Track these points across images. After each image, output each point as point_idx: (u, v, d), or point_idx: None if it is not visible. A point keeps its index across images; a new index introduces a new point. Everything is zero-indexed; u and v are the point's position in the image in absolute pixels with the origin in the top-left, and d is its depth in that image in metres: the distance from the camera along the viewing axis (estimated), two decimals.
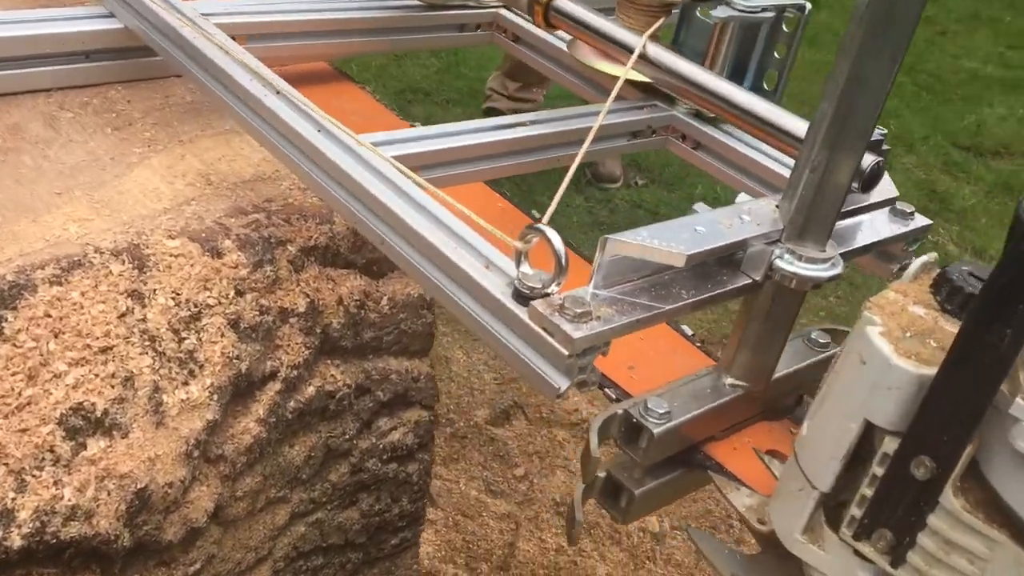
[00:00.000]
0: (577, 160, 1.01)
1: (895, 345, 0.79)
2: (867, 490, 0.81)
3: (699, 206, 1.01)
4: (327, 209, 1.20)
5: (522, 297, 0.88)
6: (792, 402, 1.11)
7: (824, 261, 0.95)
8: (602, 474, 0.96)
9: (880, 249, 1.12)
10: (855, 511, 0.82)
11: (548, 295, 0.87)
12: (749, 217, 0.95)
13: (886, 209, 1.12)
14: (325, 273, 1.18)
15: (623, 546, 2.76)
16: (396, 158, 1.08)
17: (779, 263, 0.95)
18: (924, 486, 0.77)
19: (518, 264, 0.89)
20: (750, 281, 0.96)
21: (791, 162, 1.25)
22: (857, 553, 0.84)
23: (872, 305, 0.83)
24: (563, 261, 0.86)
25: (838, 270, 0.96)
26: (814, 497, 0.86)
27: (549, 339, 0.85)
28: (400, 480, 1.36)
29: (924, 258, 0.88)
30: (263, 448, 1.11)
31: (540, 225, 0.88)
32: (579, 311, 0.84)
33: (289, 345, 1.14)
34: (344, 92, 1.56)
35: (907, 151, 4.99)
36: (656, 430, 0.95)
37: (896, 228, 1.11)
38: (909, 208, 1.14)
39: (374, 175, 1.03)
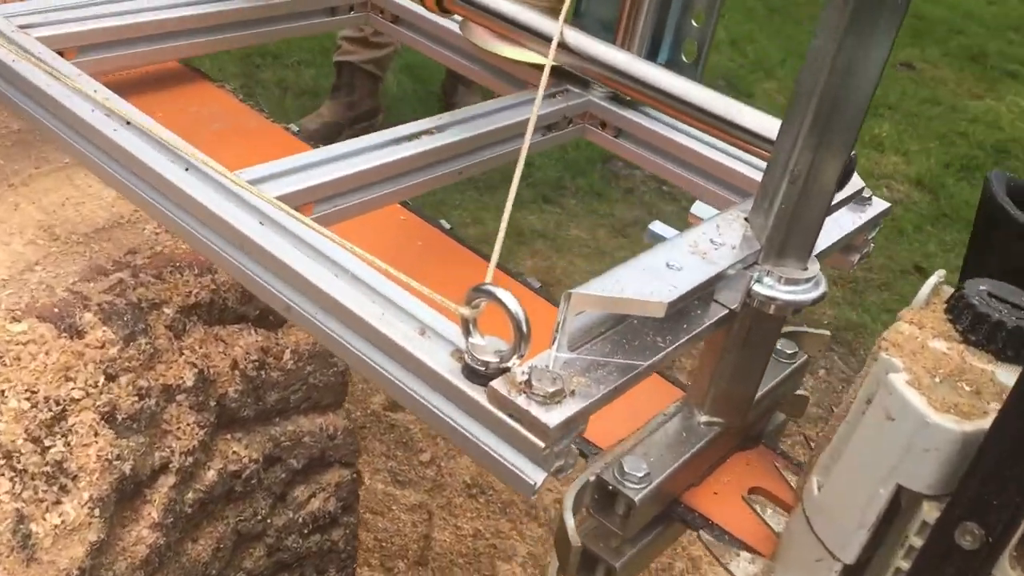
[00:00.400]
0: (515, 180, 0.85)
1: (927, 396, 0.67)
2: (903, 562, 0.70)
3: (656, 226, 0.86)
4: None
5: (476, 375, 0.73)
6: (764, 424, 1.00)
7: (807, 281, 0.83)
8: (577, 545, 0.82)
9: (844, 243, 1.00)
10: None
11: (508, 370, 0.72)
12: (721, 238, 0.82)
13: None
14: (212, 334, 0.99)
15: (541, 521, 2.67)
16: (285, 197, 0.89)
17: (758, 288, 0.82)
18: (970, 556, 0.66)
19: (466, 334, 0.73)
20: (726, 312, 0.83)
21: (723, 146, 1.13)
22: None
23: (888, 344, 0.71)
24: (524, 328, 0.70)
25: (822, 289, 0.83)
26: (836, 570, 0.74)
27: (517, 427, 0.70)
28: (325, 551, 1.20)
29: (934, 279, 0.76)
30: (162, 555, 0.93)
31: (489, 286, 0.71)
32: (550, 389, 0.69)
33: (179, 428, 0.95)
34: (200, 95, 1.33)
35: (767, 77, 4.99)
36: (638, 497, 0.82)
37: (858, 218, 1.00)
38: (867, 192, 1.03)
39: (266, 224, 0.84)
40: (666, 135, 1.13)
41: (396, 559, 2.57)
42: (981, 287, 0.73)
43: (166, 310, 0.95)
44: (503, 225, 0.80)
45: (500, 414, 0.71)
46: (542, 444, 0.69)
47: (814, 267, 0.84)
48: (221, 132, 1.19)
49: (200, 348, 0.97)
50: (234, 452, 1.04)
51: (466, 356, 0.73)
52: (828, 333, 1.06)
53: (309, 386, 1.11)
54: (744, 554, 0.83)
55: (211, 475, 1.01)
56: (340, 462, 1.19)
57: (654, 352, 0.77)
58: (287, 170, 0.92)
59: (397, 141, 1.01)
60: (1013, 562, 0.66)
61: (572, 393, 0.71)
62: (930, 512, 0.68)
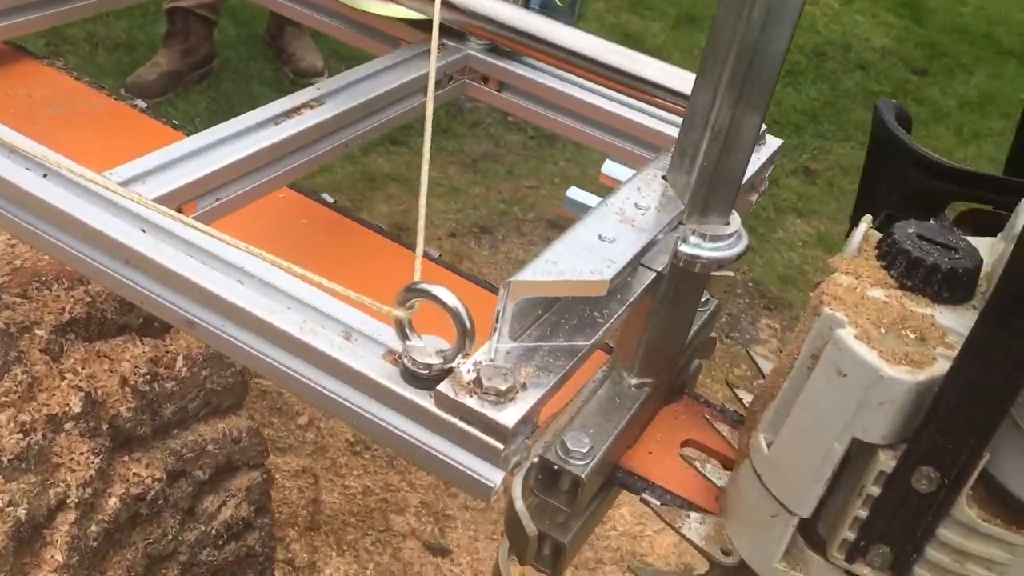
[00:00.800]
0: (426, 146, 0.79)
1: (878, 349, 0.67)
2: (861, 511, 0.70)
3: (574, 192, 0.83)
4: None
5: (418, 379, 0.68)
6: (685, 375, 1.00)
7: (730, 236, 0.81)
8: (534, 534, 0.80)
9: (748, 185, 1.00)
10: (848, 534, 0.72)
11: (451, 370, 0.67)
12: (645, 201, 0.79)
13: None
14: (95, 351, 0.89)
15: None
16: (165, 197, 0.80)
17: (684, 248, 0.80)
18: (927, 499, 0.68)
19: (403, 337, 0.68)
20: (654, 275, 0.81)
21: (610, 93, 1.10)
22: (847, 572, 0.75)
23: (829, 298, 0.71)
24: (468, 325, 0.65)
25: (744, 242, 0.82)
26: (793, 523, 0.75)
27: (472, 431, 0.66)
28: (242, 557, 1.13)
29: (863, 226, 0.76)
30: None
31: (422, 285, 0.66)
32: (503, 387, 0.66)
33: (72, 459, 0.86)
34: (27, 76, 1.19)
35: None
36: (584, 473, 0.80)
37: (759, 158, 1.00)
38: (763, 129, 1.03)
39: (150, 232, 0.76)
40: (553, 86, 1.09)
41: (286, 528, 2.50)
42: (909, 229, 0.74)
43: (38, 332, 0.85)
44: (421, 213, 0.74)
45: (450, 418, 0.66)
46: (501, 446, 0.65)
47: (735, 221, 0.82)
48: (62, 118, 1.07)
49: (83, 369, 0.88)
50: (135, 474, 0.95)
51: (405, 360, 0.68)
52: (732, 274, 1.07)
53: (207, 391, 1.03)
54: (694, 515, 0.83)
55: (113, 503, 0.92)
56: (248, 464, 1.12)
57: (595, 328, 0.74)
58: (161, 165, 0.83)
59: (276, 120, 0.93)
60: (970, 501, 0.67)
61: (523, 386, 0.67)
62: (887, 461, 0.68)
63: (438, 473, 0.69)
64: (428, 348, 0.68)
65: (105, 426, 0.91)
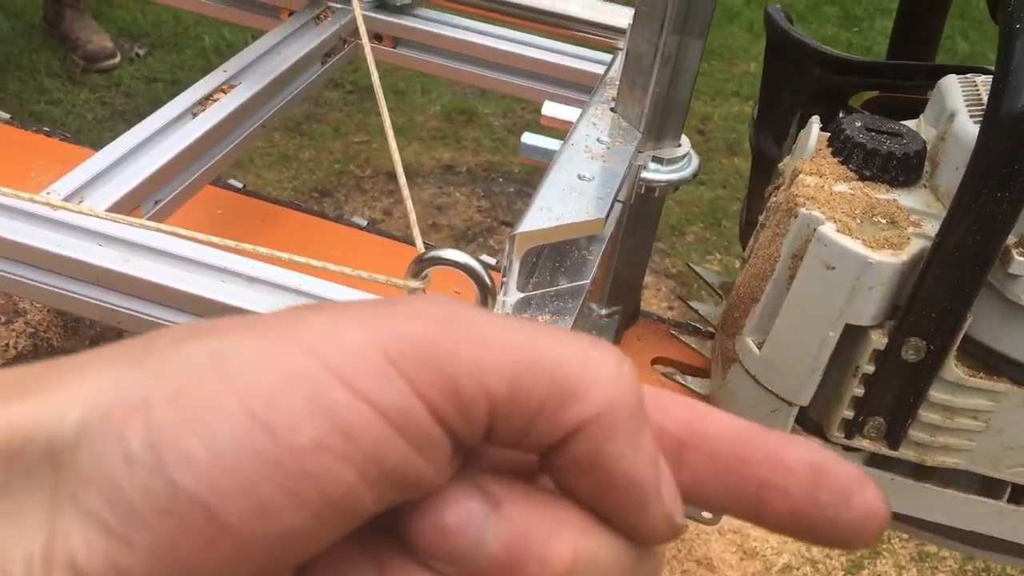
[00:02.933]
0: (384, 112, 0.77)
1: (860, 239, 0.72)
2: (857, 390, 0.76)
3: (528, 137, 0.83)
4: (4, 297, 0.83)
5: None
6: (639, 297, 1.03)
7: (683, 158, 0.84)
8: None
9: None
10: (846, 413, 0.78)
11: None
12: (605, 136, 0.81)
13: None
14: None
15: None
16: (111, 208, 0.75)
17: (646, 175, 0.83)
18: (917, 366, 0.74)
19: None
20: (621, 204, 0.83)
21: (511, 35, 1.10)
22: (845, 448, 0.81)
23: (803, 199, 0.75)
24: (488, 282, 0.66)
25: (696, 161, 0.86)
26: (793, 414, 0.80)
27: None
28: None
29: (816, 127, 0.80)
30: None
31: (435, 252, 0.66)
32: None
33: None
34: None
35: None
36: None
37: None
38: None
39: (117, 248, 0.71)
40: (450, 35, 1.08)
41: None
42: (857, 123, 0.79)
43: None
44: (402, 182, 0.73)
45: None
46: None
47: (686, 142, 0.85)
48: None
49: None
50: None
51: None
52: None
53: None
54: None
55: None
56: None
57: (588, 266, 0.76)
58: (95, 177, 0.78)
59: (192, 111, 0.88)
60: (957, 362, 0.74)
61: None
62: (878, 340, 0.74)
63: None
64: None
65: None
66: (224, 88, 0.90)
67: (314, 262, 0.67)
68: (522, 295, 0.71)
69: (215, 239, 0.66)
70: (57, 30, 3.53)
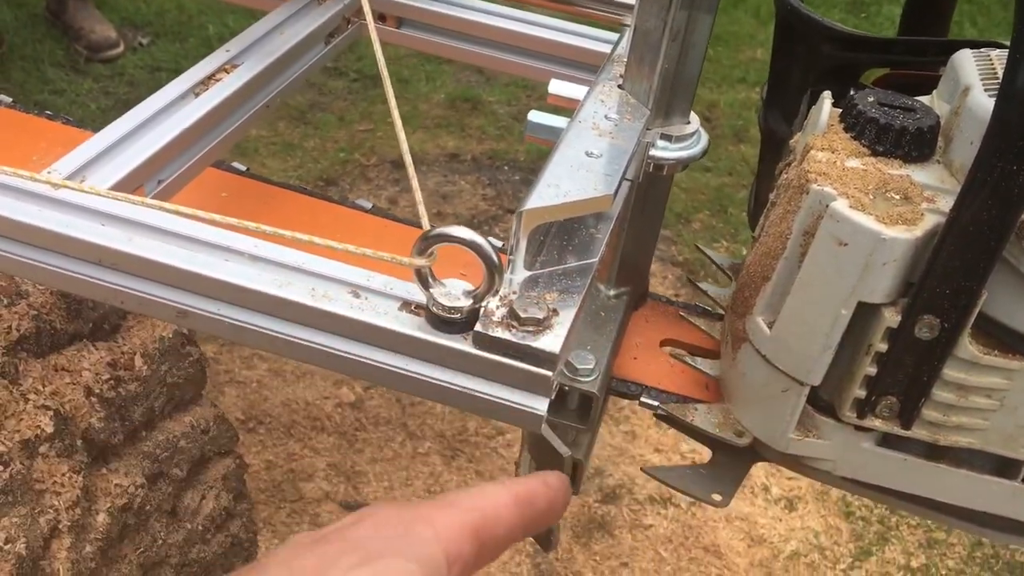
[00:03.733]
0: (391, 101, 0.76)
1: (873, 215, 0.71)
2: (870, 369, 0.75)
3: (535, 115, 0.82)
4: (6, 278, 0.82)
5: (450, 325, 0.67)
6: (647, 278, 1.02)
7: (692, 135, 0.83)
8: (568, 455, 0.80)
9: None
10: (858, 392, 0.77)
11: (478, 311, 0.67)
12: (613, 113, 0.79)
13: None
14: (52, 365, 0.82)
15: (329, 431, 2.62)
16: (114, 188, 0.74)
17: (655, 152, 0.81)
18: (931, 344, 0.73)
19: (426, 286, 0.66)
20: (629, 182, 0.82)
21: (514, 13, 1.09)
22: (857, 428, 0.80)
23: (815, 175, 0.74)
24: (496, 260, 0.65)
25: (706, 139, 0.85)
26: (804, 394, 0.79)
27: (518, 365, 0.65)
28: (228, 547, 1.08)
29: (827, 103, 0.79)
30: None
31: (441, 229, 0.65)
32: (540, 316, 0.66)
33: (55, 482, 0.79)
34: None
35: None
36: (596, 388, 0.81)
37: None
38: None
39: (122, 227, 0.70)
40: (454, 15, 1.06)
41: None
42: (869, 99, 0.77)
43: None
44: (408, 161, 0.72)
45: (494, 357, 0.66)
46: (549, 373, 0.65)
47: (695, 120, 0.84)
48: None
49: (45, 386, 0.81)
50: (116, 485, 0.89)
51: (433, 307, 0.67)
52: None
53: (169, 387, 0.97)
54: (700, 407, 0.86)
55: (102, 519, 0.86)
56: (219, 453, 1.06)
57: (596, 244, 0.75)
58: (98, 156, 0.77)
59: (195, 90, 0.87)
60: (971, 340, 0.73)
61: (555, 312, 0.67)
62: (892, 317, 0.73)
63: (483, 413, 0.69)
64: (454, 292, 0.67)
65: (79, 441, 0.84)
66: (227, 68, 0.89)
67: (317, 240, 0.66)
68: (529, 273, 0.71)
69: (218, 217, 0.66)
70: (60, 20, 3.52)
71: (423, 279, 0.66)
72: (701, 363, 0.90)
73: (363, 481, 2.50)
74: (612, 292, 0.90)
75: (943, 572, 2.47)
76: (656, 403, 0.89)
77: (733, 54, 4.14)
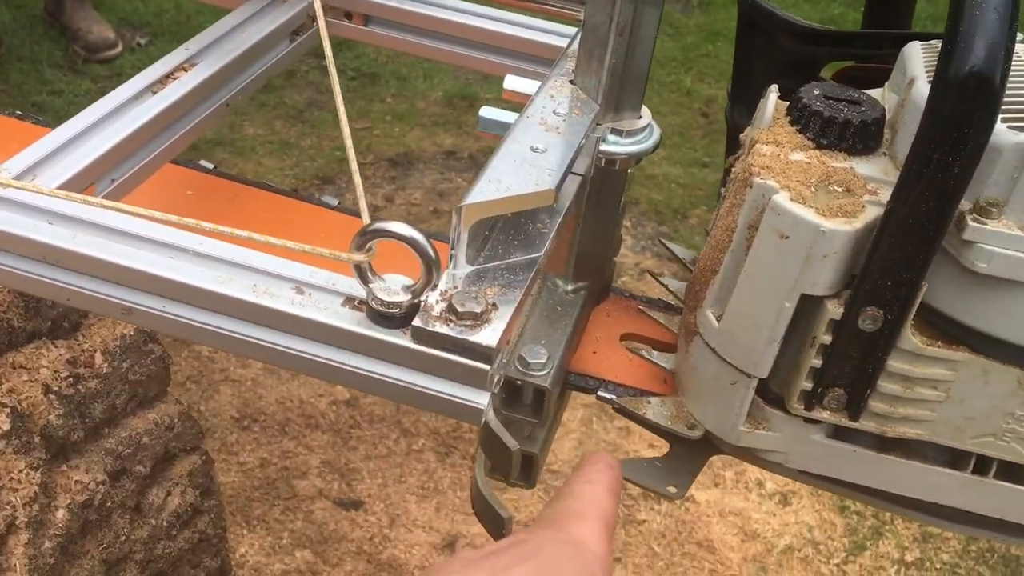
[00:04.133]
0: (337, 95, 0.76)
1: (813, 207, 0.71)
2: (815, 361, 0.75)
3: (487, 111, 0.82)
4: None
5: (389, 319, 0.67)
6: (609, 273, 1.02)
7: (643, 129, 0.84)
8: (516, 448, 0.81)
9: None
10: (805, 384, 0.77)
11: (418, 305, 0.67)
12: (562, 108, 0.80)
13: None
14: (9, 362, 0.83)
15: (323, 429, 2.63)
16: (64, 186, 0.75)
17: (605, 147, 0.82)
18: (874, 336, 0.73)
19: (366, 281, 0.67)
20: (580, 178, 0.82)
21: (483, 11, 1.10)
22: (807, 420, 0.80)
23: (758, 168, 0.74)
24: (433, 255, 0.65)
25: (658, 133, 0.85)
26: (752, 386, 0.79)
27: (456, 359, 0.66)
28: (195, 543, 1.09)
29: (773, 96, 0.79)
30: None
31: (378, 224, 0.65)
32: (478, 310, 0.66)
33: (12, 479, 0.80)
34: None
35: None
36: (548, 383, 0.81)
37: None
38: None
39: (58, 224, 0.71)
40: (422, 12, 1.07)
41: None
42: (815, 92, 0.78)
43: None
44: (351, 155, 0.73)
45: (432, 351, 0.66)
46: (487, 367, 0.66)
47: (647, 114, 0.84)
48: None
49: (2, 384, 0.82)
50: (76, 482, 0.90)
51: (372, 303, 0.67)
52: (631, 171, 1.09)
53: (131, 383, 0.98)
54: (653, 399, 0.86)
55: (61, 515, 0.87)
56: (185, 450, 1.07)
57: (542, 239, 0.75)
58: (50, 155, 0.78)
59: (152, 88, 0.88)
60: (913, 330, 0.73)
61: (494, 306, 0.68)
62: (834, 309, 0.73)
63: (425, 407, 0.69)
64: (393, 287, 0.67)
65: (37, 438, 0.85)
66: (184, 66, 0.90)
67: (256, 236, 0.66)
68: (472, 268, 0.71)
69: (158, 214, 0.66)
70: (58, 21, 3.54)
71: (362, 274, 0.67)
72: (658, 357, 0.91)
73: (357, 478, 2.51)
74: (570, 287, 0.91)
75: (937, 566, 2.47)
76: (613, 397, 0.89)
77: (732, 49, 4.13)
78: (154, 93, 0.87)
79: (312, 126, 3.47)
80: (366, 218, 0.70)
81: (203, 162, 1.09)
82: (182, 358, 2.75)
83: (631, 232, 3.23)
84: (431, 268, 0.65)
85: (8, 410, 0.81)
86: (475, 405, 0.67)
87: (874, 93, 0.84)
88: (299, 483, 2.51)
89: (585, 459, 0.65)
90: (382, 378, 0.68)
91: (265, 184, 1.08)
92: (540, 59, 1.06)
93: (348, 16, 1.10)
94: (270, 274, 0.70)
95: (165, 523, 1.04)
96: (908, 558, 2.48)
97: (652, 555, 2.45)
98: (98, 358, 0.92)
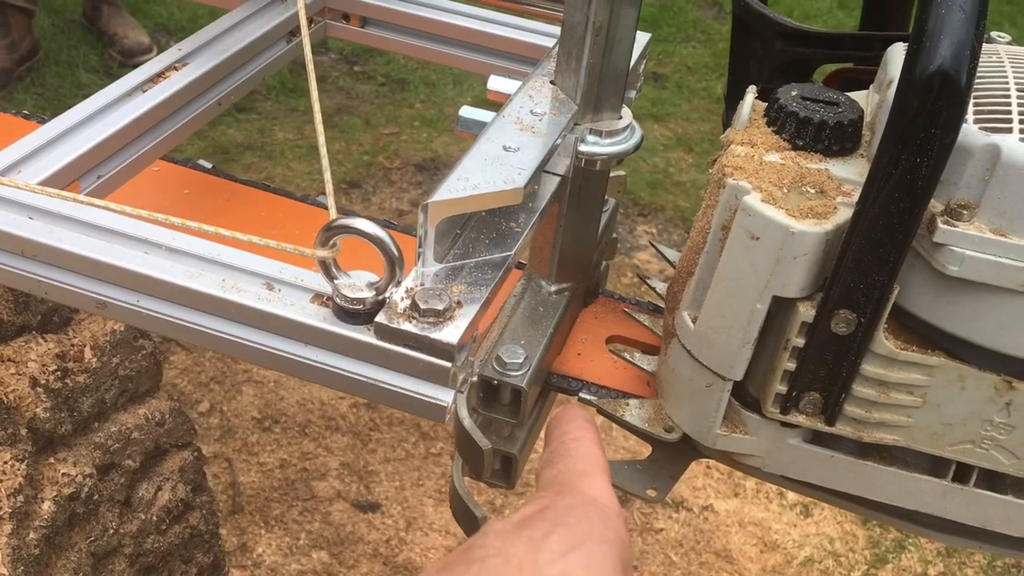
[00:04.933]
0: (314, 94, 0.77)
1: (784, 208, 0.70)
2: (789, 364, 0.75)
3: (466, 111, 0.83)
4: None
5: (353, 315, 0.68)
6: (597, 275, 1.02)
7: (624, 130, 0.83)
8: (488, 447, 0.81)
9: None
10: (780, 388, 0.76)
11: (384, 301, 0.67)
12: (539, 108, 0.80)
13: None
14: None
15: (343, 431, 2.64)
16: (46, 181, 0.77)
17: (583, 148, 0.82)
18: (847, 340, 0.72)
19: (331, 277, 0.67)
20: (559, 178, 0.82)
21: (479, 12, 1.10)
22: (783, 424, 0.79)
23: (731, 169, 0.74)
24: (396, 252, 0.66)
25: (639, 134, 0.85)
26: (727, 389, 0.78)
27: (418, 355, 0.66)
28: (187, 538, 1.10)
29: (750, 97, 0.79)
30: None
31: (342, 220, 0.66)
32: (440, 307, 0.66)
33: None
34: None
35: None
36: (524, 383, 0.81)
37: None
38: None
39: (39, 218, 0.72)
40: (419, 14, 1.08)
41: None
42: (792, 92, 0.77)
43: None
44: (323, 152, 0.73)
45: (394, 348, 0.67)
46: (448, 364, 0.66)
47: (627, 115, 0.84)
48: None
49: None
50: (64, 474, 0.92)
51: (337, 299, 0.68)
52: (624, 173, 1.09)
53: (121, 379, 1.00)
54: (632, 401, 0.86)
55: (47, 507, 0.89)
56: (176, 445, 1.09)
57: (514, 238, 0.75)
58: (36, 150, 0.79)
59: (143, 87, 0.89)
60: (886, 334, 0.72)
61: (459, 304, 0.68)
62: (806, 312, 0.72)
63: (390, 403, 0.69)
64: (358, 283, 0.68)
65: (24, 431, 0.87)
66: (176, 66, 0.91)
67: (223, 231, 0.67)
68: (441, 265, 0.71)
69: (129, 209, 0.67)
70: (95, 26, 3.61)
71: (327, 270, 0.67)
72: (640, 359, 0.90)
73: (375, 481, 2.52)
74: (553, 288, 0.91)
75: None
76: (594, 399, 0.89)
77: None
78: (144, 91, 0.88)
79: (341, 131, 3.50)
80: (333, 213, 0.70)
81: (201, 161, 1.10)
82: (206, 359, 2.78)
83: (657, 239, 3.21)
84: (394, 265, 0.66)
85: None
86: (438, 402, 0.68)
87: (861, 95, 0.83)
88: (318, 484, 2.53)
89: (562, 417, 0.65)
90: (348, 374, 0.69)
91: (262, 184, 1.09)
92: (533, 60, 1.06)
93: (346, 18, 1.11)
94: (240, 270, 0.71)
95: (155, 518, 1.05)
96: (931, 572, 2.44)
97: (669, 564, 2.43)
98: (87, 353, 0.93)
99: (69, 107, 0.85)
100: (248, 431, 2.61)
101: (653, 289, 0.98)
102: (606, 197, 1.03)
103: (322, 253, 0.66)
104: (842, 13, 4.40)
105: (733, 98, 1.02)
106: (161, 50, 3.67)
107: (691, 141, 3.62)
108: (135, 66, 3.31)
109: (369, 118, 3.59)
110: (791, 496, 2.59)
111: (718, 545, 2.47)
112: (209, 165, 1.10)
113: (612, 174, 1.07)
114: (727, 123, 1.02)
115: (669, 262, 1.03)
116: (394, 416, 2.70)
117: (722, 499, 2.56)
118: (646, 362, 0.90)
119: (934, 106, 0.62)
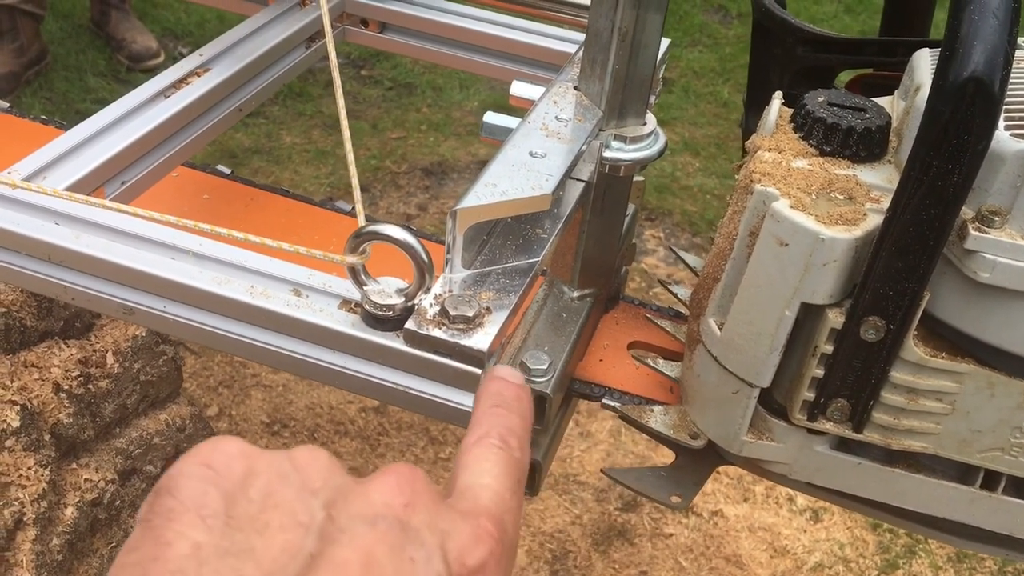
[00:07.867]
0: (340, 100, 0.77)
1: (813, 215, 0.70)
2: (817, 370, 0.74)
3: (491, 116, 0.83)
4: None
5: (383, 322, 0.67)
6: (618, 281, 1.02)
7: (648, 136, 0.83)
8: None
9: None
10: (807, 395, 0.76)
11: (413, 308, 0.67)
12: (564, 114, 0.80)
13: None
14: (21, 361, 0.85)
15: (352, 435, 2.64)
16: (72, 187, 0.77)
17: (608, 154, 0.82)
18: (877, 346, 0.72)
19: (360, 283, 0.67)
20: (584, 184, 0.82)
21: (497, 18, 1.10)
22: (810, 431, 0.79)
23: (759, 175, 0.73)
24: (426, 258, 0.65)
25: (663, 139, 0.85)
26: (754, 396, 0.78)
27: (448, 362, 0.66)
28: None
29: (776, 103, 0.79)
30: None
31: (372, 227, 0.66)
32: (470, 313, 0.66)
33: (21, 475, 0.82)
34: None
35: None
36: (549, 390, 0.81)
37: None
38: None
39: (73, 226, 0.72)
40: (438, 20, 1.08)
41: None
42: (819, 99, 0.77)
43: None
44: (350, 158, 0.73)
45: (424, 354, 0.66)
46: (479, 371, 0.66)
47: (651, 120, 0.84)
48: None
49: (12, 382, 0.83)
50: (86, 480, 0.92)
51: (366, 305, 0.67)
52: (643, 179, 1.09)
53: (143, 384, 0.99)
54: (657, 408, 0.86)
55: (70, 512, 0.88)
56: None
57: (540, 244, 0.75)
58: (60, 156, 0.79)
59: (165, 93, 0.89)
60: (916, 341, 0.72)
61: (488, 310, 0.68)
62: (836, 319, 0.72)
63: (420, 410, 0.69)
64: (387, 289, 0.68)
65: (47, 436, 0.87)
66: (198, 72, 0.91)
67: (253, 237, 0.67)
68: (468, 272, 0.71)
69: (156, 215, 0.67)
70: (103, 31, 3.61)
71: (356, 277, 0.67)
72: (663, 365, 0.90)
73: None
74: (576, 294, 0.90)
75: None
76: (617, 404, 0.89)
77: None
78: (166, 97, 0.88)
79: (352, 135, 3.49)
80: (362, 220, 0.70)
81: (220, 167, 1.10)
82: (215, 363, 2.77)
83: (665, 243, 3.21)
84: (424, 271, 0.66)
85: (18, 408, 0.82)
86: (467, 409, 0.67)
87: (885, 100, 0.83)
88: None
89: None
90: (376, 381, 0.69)
91: (280, 189, 1.09)
92: (552, 66, 1.06)
93: (364, 23, 1.11)
94: (268, 276, 0.71)
95: None
96: None
97: (679, 570, 2.43)
98: (109, 358, 0.93)
99: (77, 111, 0.86)
100: (257, 435, 2.61)
101: (675, 295, 0.98)
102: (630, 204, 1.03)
103: (352, 259, 0.66)
104: (848, 17, 4.40)
105: (753, 104, 1.02)
106: (168, 54, 3.68)
107: (698, 145, 3.62)
108: (143, 71, 3.31)
109: (376, 122, 3.59)
110: (801, 501, 2.58)
111: (728, 550, 2.47)
112: (228, 170, 1.10)
113: (634, 181, 1.07)
114: (747, 129, 1.02)
115: (688, 266, 1.03)
116: (403, 420, 2.69)
117: (732, 504, 2.56)
118: (669, 368, 0.90)
119: (967, 113, 0.62)
